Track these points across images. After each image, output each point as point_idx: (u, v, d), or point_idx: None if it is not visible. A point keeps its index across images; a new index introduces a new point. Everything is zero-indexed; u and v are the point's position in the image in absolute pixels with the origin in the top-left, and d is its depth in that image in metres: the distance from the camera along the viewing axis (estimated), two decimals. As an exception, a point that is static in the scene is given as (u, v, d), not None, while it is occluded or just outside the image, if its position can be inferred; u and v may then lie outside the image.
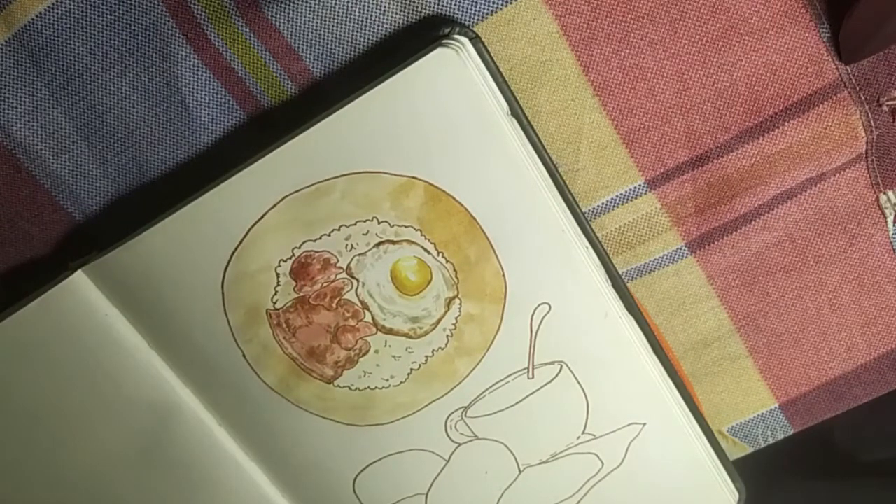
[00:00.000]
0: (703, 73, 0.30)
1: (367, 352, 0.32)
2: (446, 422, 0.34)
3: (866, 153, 0.32)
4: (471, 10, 0.29)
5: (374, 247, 0.31)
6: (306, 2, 0.30)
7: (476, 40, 0.29)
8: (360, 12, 0.30)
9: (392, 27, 0.30)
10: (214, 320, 0.32)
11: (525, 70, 0.30)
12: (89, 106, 0.32)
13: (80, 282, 0.32)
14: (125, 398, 0.33)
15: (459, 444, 0.34)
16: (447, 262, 0.31)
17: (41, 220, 0.34)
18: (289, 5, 0.30)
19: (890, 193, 0.32)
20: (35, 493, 0.35)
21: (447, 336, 0.32)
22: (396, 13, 0.30)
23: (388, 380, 0.33)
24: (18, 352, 0.33)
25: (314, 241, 0.31)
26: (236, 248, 0.31)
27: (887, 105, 0.30)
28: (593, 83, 0.30)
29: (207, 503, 0.35)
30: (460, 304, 0.31)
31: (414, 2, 0.30)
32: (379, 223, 0.30)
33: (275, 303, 0.32)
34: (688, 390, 0.34)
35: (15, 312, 0.32)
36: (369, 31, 0.30)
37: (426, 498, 0.35)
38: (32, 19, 0.31)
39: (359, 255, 0.31)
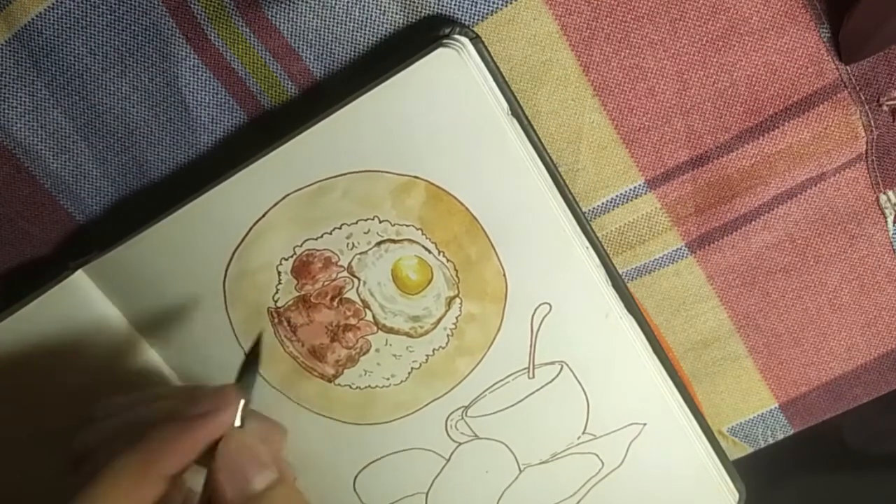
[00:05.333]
0: (703, 73, 0.30)
1: (368, 350, 0.32)
2: (447, 421, 0.34)
3: (866, 153, 0.32)
4: (471, 10, 0.29)
5: (375, 245, 0.31)
6: (306, 2, 0.30)
7: (476, 40, 0.29)
8: (360, 12, 0.30)
9: (392, 27, 0.30)
10: (216, 318, 0.32)
11: (525, 70, 0.30)
12: (89, 106, 0.32)
13: (80, 281, 0.32)
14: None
15: (460, 444, 0.34)
16: (448, 261, 0.31)
17: (41, 220, 0.34)
18: (289, 5, 0.30)
19: (890, 193, 0.32)
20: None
21: (448, 335, 0.32)
22: (396, 13, 0.30)
23: (388, 378, 0.33)
24: (19, 351, 0.33)
25: (315, 239, 0.31)
26: (238, 246, 0.31)
27: (887, 105, 0.31)
28: (593, 83, 0.30)
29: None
30: (461, 303, 0.31)
31: (414, 2, 0.30)
32: (380, 222, 0.30)
33: (276, 301, 0.32)
34: (688, 390, 0.34)
35: (16, 312, 0.32)
36: (369, 31, 0.30)
37: (426, 497, 0.35)
38: (32, 19, 0.31)
39: (360, 253, 0.31)
